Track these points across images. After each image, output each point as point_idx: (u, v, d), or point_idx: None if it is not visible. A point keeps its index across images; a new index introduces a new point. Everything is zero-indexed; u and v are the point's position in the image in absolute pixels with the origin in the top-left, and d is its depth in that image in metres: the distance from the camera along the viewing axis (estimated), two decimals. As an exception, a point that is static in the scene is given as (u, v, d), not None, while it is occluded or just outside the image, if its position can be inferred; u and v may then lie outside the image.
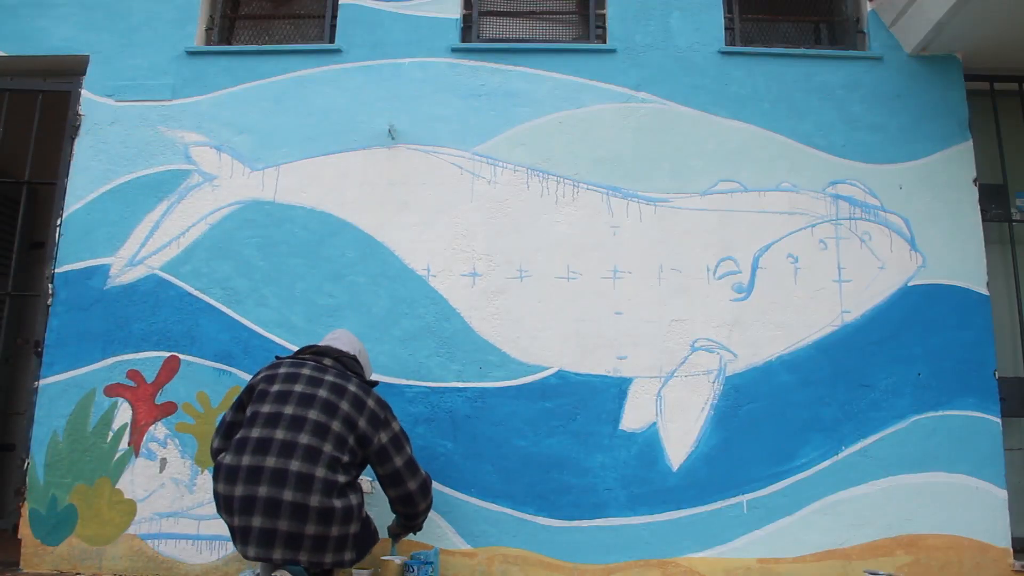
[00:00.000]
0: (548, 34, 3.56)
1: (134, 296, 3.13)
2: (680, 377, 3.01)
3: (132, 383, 3.06)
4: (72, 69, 3.38)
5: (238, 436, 2.20)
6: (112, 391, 3.05)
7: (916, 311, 3.05)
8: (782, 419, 2.97)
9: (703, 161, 3.20)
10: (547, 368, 3.02)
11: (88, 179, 3.24)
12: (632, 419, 2.97)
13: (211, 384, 3.04)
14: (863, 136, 3.21)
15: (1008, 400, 3.05)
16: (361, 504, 2.25)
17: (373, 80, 3.31)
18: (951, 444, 2.94)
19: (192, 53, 3.37)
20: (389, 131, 3.23)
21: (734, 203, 3.16)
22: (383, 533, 2.59)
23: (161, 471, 2.99)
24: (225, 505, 2.14)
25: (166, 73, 3.35)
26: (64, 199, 3.23)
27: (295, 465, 2.10)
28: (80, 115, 3.30)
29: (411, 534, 2.66)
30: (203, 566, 2.91)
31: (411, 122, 3.26)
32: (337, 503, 2.13)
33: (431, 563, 2.66)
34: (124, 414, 3.03)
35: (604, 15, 3.44)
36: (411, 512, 2.47)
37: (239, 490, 2.10)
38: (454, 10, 3.40)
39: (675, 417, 2.97)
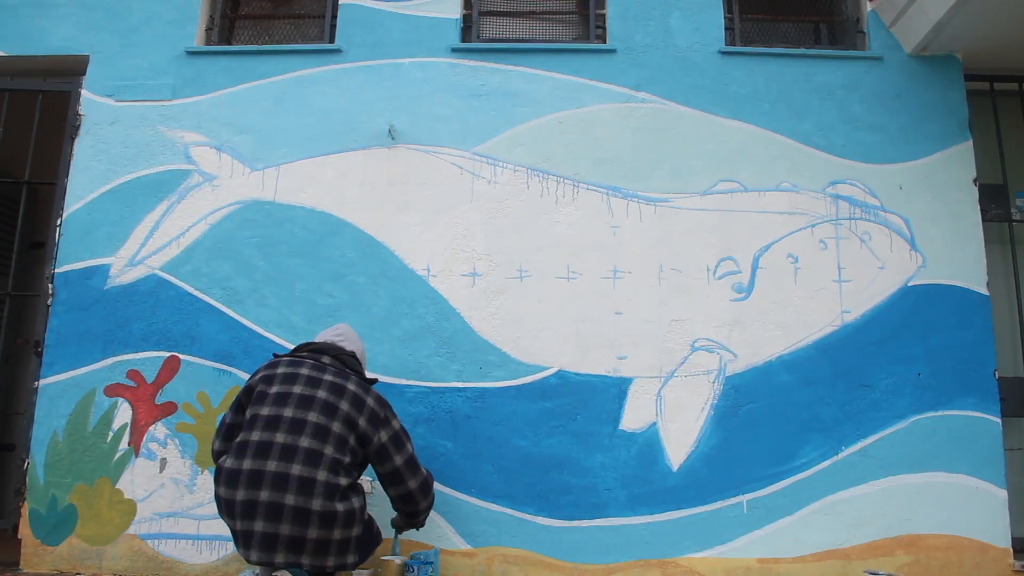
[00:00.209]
0: (548, 34, 3.56)
1: (134, 296, 3.13)
2: (680, 377, 3.01)
3: (132, 383, 3.06)
4: (72, 69, 3.38)
5: (238, 440, 2.19)
6: (112, 391, 3.05)
7: (916, 311, 3.05)
8: (782, 419, 2.97)
9: (703, 161, 3.20)
10: (547, 368, 3.03)
11: (88, 179, 3.24)
12: (632, 419, 2.97)
13: (211, 384, 3.04)
14: (863, 136, 3.22)
15: (1008, 400, 3.05)
16: (363, 507, 2.24)
17: (373, 80, 3.31)
18: (951, 444, 2.94)
19: (192, 53, 3.37)
20: (389, 131, 3.23)
21: (734, 203, 3.16)
22: (387, 533, 2.59)
23: (161, 471, 2.99)
24: (227, 509, 2.14)
25: (166, 73, 3.35)
26: (64, 199, 3.23)
27: (296, 469, 2.09)
28: (80, 115, 3.30)
29: (413, 530, 2.66)
30: (203, 566, 2.91)
31: (411, 122, 3.26)
32: (339, 507, 2.12)
33: (431, 563, 2.66)
34: (124, 414, 3.03)
35: (604, 15, 3.44)
36: (412, 510, 2.47)
37: (240, 494, 2.09)
38: (454, 10, 3.40)
39: (675, 417, 2.97)
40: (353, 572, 2.53)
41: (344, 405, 2.25)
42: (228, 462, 2.15)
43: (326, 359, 2.37)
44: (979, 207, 3.15)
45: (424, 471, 2.45)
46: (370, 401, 2.32)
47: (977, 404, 2.97)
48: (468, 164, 3.21)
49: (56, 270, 3.16)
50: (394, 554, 2.62)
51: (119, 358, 3.07)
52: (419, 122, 3.26)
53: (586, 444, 2.95)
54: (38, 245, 3.64)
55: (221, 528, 2.67)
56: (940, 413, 2.97)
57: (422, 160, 3.23)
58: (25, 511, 2.97)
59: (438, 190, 3.19)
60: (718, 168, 3.19)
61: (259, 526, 2.06)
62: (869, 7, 3.38)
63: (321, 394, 2.24)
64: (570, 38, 3.55)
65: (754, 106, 3.25)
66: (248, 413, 2.25)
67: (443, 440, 2.97)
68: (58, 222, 3.21)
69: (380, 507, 2.69)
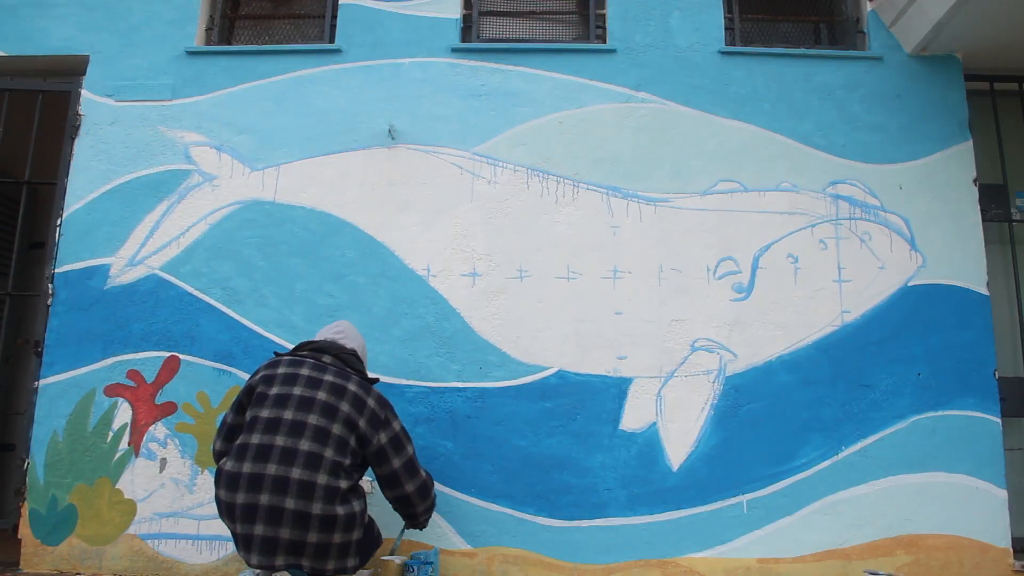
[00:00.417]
0: (548, 34, 3.56)
1: (134, 296, 3.13)
2: (680, 377, 3.01)
3: (132, 383, 3.06)
4: (72, 69, 3.38)
5: (238, 442, 2.18)
6: (112, 391, 3.05)
7: (916, 311, 3.05)
8: (782, 419, 2.97)
9: (703, 161, 3.20)
10: (547, 368, 3.03)
11: (88, 179, 3.24)
12: (632, 419, 2.97)
13: (211, 384, 3.04)
14: (863, 136, 3.22)
15: (1008, 400, 3.05)
16: (364, 510, 2.23)
17: (373, 80, 3.31)
18: (951, 444, 2.94)
19: (192, 53, 3.37)
20: (389, 131, 3.23)
21: (734, 203, 3.16)
22: (392, 531, 2.58)
23: (161, 471, 2.99)
24: (227, 512, 2.13)
25: (166, 73, 3.35)
26: (64, 199, 3.23)
27: (296, 472, 2.08)
28: (80, 115, 3.30)
29: (414, 530, 2.66)
30: (203, 566, 2.91)
31: (411, 122, 3.26)
32: (340, 510, 2.11)
33: (431, 563, 2.66)
34: (124, 414, 3.03)
35: (604, 15, 3.44)
36: (409, 513, 2.47)
37: (240, 498, 2.08)
38: (454, 10, 3.40)
39: (675, 417, 2.97)
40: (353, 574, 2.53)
41: (344, 406, 2.24)
42: (228, 465, 2.14)
43: (327, 358, 2.36)
44: (979, 207, 3.15)
45: (423, 474, 2.44)
46: (371, 402, 2.31)
47: (977, 404, 2.97)
48: (468, 164, 3.22)
49: (56, 270, 3.16)
50: (394, 553, 2.62)
51: (119, 358, 3.07)
52: (419, 122, 3.26)
53: (586, 444, 2.95)
54: (38, 245, 3.64)
55: (221, 528, 2.67)
56: (940, 413, 2.97)
57: (422, 160, 3.23)
58: (25, 511, 2.97)
59: (438, 190, 3.19)
60: (718, 168, 3.19)
61: (259, 530, 2.06)
62: (869, 7, 3.38)
63: (321, 395, 2.23)
64: (570, 38, 3.55)
65: (754, 106, 3.25)
66: (248, 414, 2.24)
67: (443, 440, 2.97)
68: (58, 222, 3.21)
69: (381, 507, 2.69)
